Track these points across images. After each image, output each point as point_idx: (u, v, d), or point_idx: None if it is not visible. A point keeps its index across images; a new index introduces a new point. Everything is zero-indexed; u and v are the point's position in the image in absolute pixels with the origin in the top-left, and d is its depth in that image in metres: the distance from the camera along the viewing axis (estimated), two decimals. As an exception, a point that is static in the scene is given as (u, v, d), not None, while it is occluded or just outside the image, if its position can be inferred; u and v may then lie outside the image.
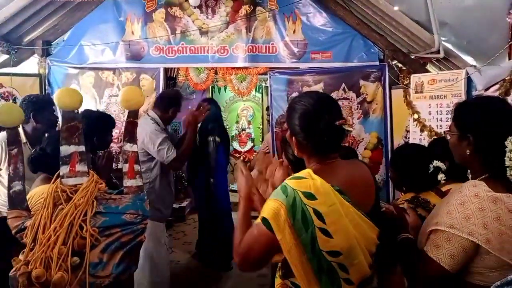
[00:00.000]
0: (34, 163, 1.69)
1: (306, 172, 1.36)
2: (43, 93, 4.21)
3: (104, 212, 1.24)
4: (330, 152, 1.44)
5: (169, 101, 3.36)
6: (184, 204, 6.37)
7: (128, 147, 1.35)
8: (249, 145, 7.75)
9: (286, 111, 1.53)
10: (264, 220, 1.30)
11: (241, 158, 7.64)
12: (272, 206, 1.30)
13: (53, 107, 3.03)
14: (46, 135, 1.73)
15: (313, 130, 1.39)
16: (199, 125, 3.62)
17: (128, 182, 1.35)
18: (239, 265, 1.39)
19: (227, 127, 7.64)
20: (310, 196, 1.28)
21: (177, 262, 4.65)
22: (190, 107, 6.52)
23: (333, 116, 1.39)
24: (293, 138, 1.47)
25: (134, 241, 1.25)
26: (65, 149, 1.27)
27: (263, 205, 1.47)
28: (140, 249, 1.31)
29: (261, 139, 7.50)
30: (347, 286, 1.32)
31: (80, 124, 1.29)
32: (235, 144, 7.72)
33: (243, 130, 7.78)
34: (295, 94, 3.93)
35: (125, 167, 1.36)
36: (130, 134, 1.37)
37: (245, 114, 7.84)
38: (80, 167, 1.28)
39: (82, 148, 1.29)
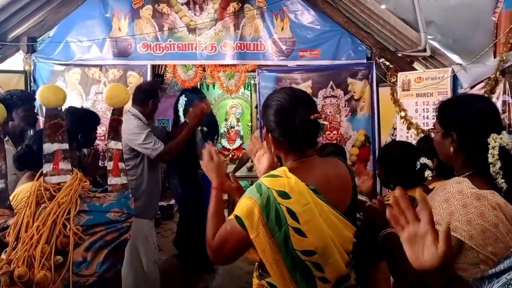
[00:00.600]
0: (20, 160, 1.66)
1: (282, 170, 1.35)
2: (29, 90, 4.15)
3: (88, 211, 1.23)
4: (306, 148, 1.43)
5: (146, 94, 3.27)
6: (172, 201, 6.34)
7: (113, 144, 1.34)
8: (238, 142, 7.73)
9: (261, 108, 1.51)
10: (238, 218, 1.29)
11: (229, 155, 7.63)
12: (246, 205, 1.29)
13: (33, 103, 2.98)
14: (31, 132, 1.71)
15: (288, 125, 1.38)
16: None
17: (112, 180, 1.34)
18: (212, 258, 1.40)
19: (216, 124, 7.62)
20: (284, 195, 1.28)
21: (165, 260, 4.63)
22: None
23: (308, 110, 1.38)
24: (269, 135, 1.45)
25: (118, 240, 1.24)
26: (48, 147, 1.26)
27: (239, 194, 1.47)
28: (125, 247, 1.30)
29: (250, 137, 7.49)
30: (323, 284, 1.31)
31: (64, 122, 1.27)
32: (224, 142, 7.70)
33: (232, 127, 7.75)
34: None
35: (110, 165, 1.34)
36: (115, 131, 1.36)
37: (234, 112, 7.82)
38: (64, 165, 1.27)
39: (65, 146, 1.27)
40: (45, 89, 1.27)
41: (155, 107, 3.31)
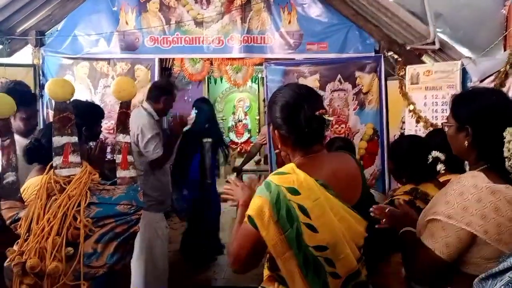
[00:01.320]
0: (29, 154, 1.68)
1: (290, 167, 1.36)
2: (38, 84, 4.19)
3: (97, 203, 1.24)
4: (313, 144, 1.44)
5: (159, 91, 3.32)
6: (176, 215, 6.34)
7: (121, 137, 1.35)
8: (246, 136, 7.74)
9: (267, 105, 1.52)
10: (249, 218, 1.31)
11: (237, 149, 7.63)
12: (256, 203, 1.30)
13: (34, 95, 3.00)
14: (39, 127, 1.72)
15: (294, 121, 1.38)
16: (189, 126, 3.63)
17: (121, 173, 1.35)
18: (232, 267, 1.39)
19: (223, 118, 7.63)
20: (293, 191, 1.28)
21: (175, 252, 4.66)
22: (186, 97, 6.51)
23: (313, 106, 1.38)
24: (276, 131, 1.46)
25: (128, 232, 1.25)
26: (57, 140, 1.27)
27: None
28: (135, 239, 1.31)
29: (257, 130, 7.49)
30: (334, 280, 1.32)
31: (72, 115, 1.28)
32: (232, 135, 7.72)
33: (240, 121, 7.77)
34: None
35: (118, 158, 1.35)
36: (123, 124, 1.37)
37: (242, 105, 7.83)
38: (73, 158, 1.28)
39: (75, 139, 1.28)
40: (53, 82, 1.28)
41: (167, 106, 3.35)
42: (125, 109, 1.38)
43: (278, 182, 1.30)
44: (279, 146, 1.49)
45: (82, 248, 1.19)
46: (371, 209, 1.54)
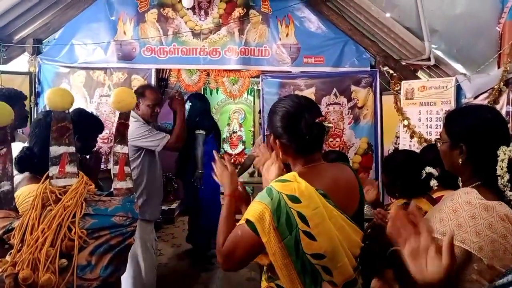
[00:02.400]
0: (20, 163, 1.67)
1: (291, 175, 1.38)
2: (33, 92, 4.18)
3: (93, 214, 1.23)
4: (313, 152, 1.48)
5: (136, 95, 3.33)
6: (174, 206, 6.34)
7: (119, 148, 1.34)
8: (240, 147, 7.73)
9: (267, 116, 1.55)
10: (249, 222, 1.32)
11: (229, 159, 7.62)
12: (257, 209, 1.32)
13: (24, 102, 2.99)
14: (22, 131, 1.72)
15: (295, 130, 1.43)
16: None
17: (118, 184, 1.34)
18: (222, 264, 1.41)
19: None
20: (294, 199, 1.30)
21: (165, 265, 4.63)
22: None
23: (313, 114, 1.43)
24: (277, 141, 1.49)
25: (123, 244, 1.24)
26: (55, 150, 1.26)
27: (247, 204, 1.49)
28: (129, 251, 1.30)
29: (252, 142, 7.50)
30: None
31: (71, 125, 1.27)
32: (226, 147, 7.71)
33: (234, 132, 7.77)
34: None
35: (115, 169, 1.35)
36: (122, 135, 1.36)
37: (237, 117, 7.83)
38: (70, 168, 1.27)
39: (72, 149, 1.27)
40: (52, 92, 1.27)
41: (149, 111, 3.29)
42: (123, 120, 1.37)
43: (279, 189, 1.32)
44: (280, 156, 1.51)
45: (76, 260, 1.17)
46: (374, 211, 1.56)
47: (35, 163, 1.69)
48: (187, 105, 4.56)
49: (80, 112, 2.26)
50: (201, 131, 4.39)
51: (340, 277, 1.34)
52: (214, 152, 1.81)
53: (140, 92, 3.28)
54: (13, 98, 2.81)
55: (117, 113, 1.42)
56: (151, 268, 3.33)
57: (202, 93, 6.96)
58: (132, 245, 1.29)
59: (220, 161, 1.70)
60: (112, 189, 1.36)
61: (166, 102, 4.69)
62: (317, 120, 1.41)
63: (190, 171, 4.41)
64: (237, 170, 5.38)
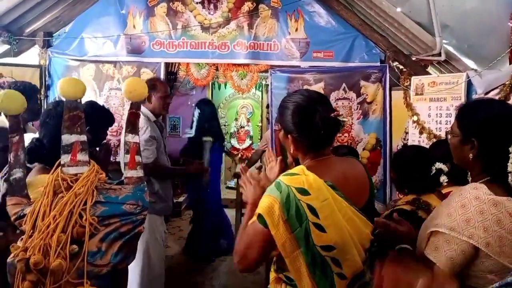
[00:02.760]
0: (30, 154, 1.68)
1: (299, 168, 1.39)
2: (43, 84, 4.21)
3: (104, 202, 1.25)
4: (324, 147, 1.47)
5: None
6: (181, 199, 6.38)
7: (130, 138, 1.36)
8: (248, 142, 7.75)
9: (278, 111, 1.54)
10: (259, 216, 1.33)
11: (238, 155, 7.65)
12: (266, 202, 1.33)
13: (38, 95, 3.01)
14: (32, 124, 1.73)
15: (308, 124, 1.41)
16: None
17: (128, 173, 1.35)
18: (238, 266, 1.41)
19: (226, 124, 7.65)
20: (303, 191, 1.31)
21: (172, 257, 4.66)
22: (189, 102, 6.53)
23: (327, 108, 1.42)
24: (288, 136, 1.48)
25: (133, 232, 1.25)
26: (67, 138, 1.28)
27: None
28: (138, 239, 1.31)
29: (259, 137, 7.51)
30: (340, 280, 1.34)
31: (82, 114, 1.29)
32: (233, 141, 7.73)
33: (242, 127, 7.78)
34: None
35: (126, 158, 1.36)
36: (133, 125, 1.37)
37: (244, 112, 7.85)
38: (81, 157, 1.29)
39: (83, 137, 1.29)
40: (65, 81, 1.29)
41: (160, 103, 3.25)
42: (135, 109, 1.38)
43: (288, 182, 1.33)
44: (291, 151, 1.50)
45: (86, 246, 1.19)
46: (375, 218, 1.54)
47: (44, 154, 1.70)
48: (196, 112, 4.59)
49: (92, 104, 2.27)
50: (209, 138, 4.44)
51: (349, 269, 1.35)
52: (241, 167, 1.76)
53: (151, 85, 3.25)
54: (28, 91, 2.83)
55: (126, 107, 1.43)
56: (160, 260, 3.35)
57: (210, 87, 7.00)
58: (141, 233, 1.30)
59: (247, 178, 1.62)
60: (123, 178, 1.38)
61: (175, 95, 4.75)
62: (332, 115, 1.41)
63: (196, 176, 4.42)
64: (244, 164, 5.47)
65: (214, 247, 4.70)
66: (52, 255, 1.17)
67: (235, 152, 7.71)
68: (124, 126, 1.42)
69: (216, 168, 4.70)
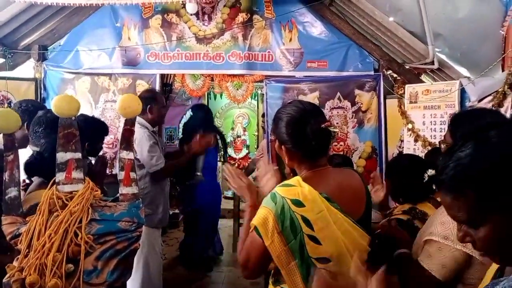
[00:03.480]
0: (29, 168, 1.68)
1: (295, 179, 1.40)
2: (39, 98, 4.21)
3: (99, 220, 1.25)
4: (319, 157, 1.48)
5: (144, 101, 3.29)
6: (178, 210, 6.34)
7: (125, 154, 1.36)
8: (244, 152, 7.76)
9: (272, 122, 1.56)
10: (255, 228, 1.35)
11: (235, 165, 7.64)
12: (261, 214, 1.35)
13: None
14: (43, 140, 1.72)
15: (301, 135, 1.43)
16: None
17: (123, 190, 1.35)
18: (242, 272, 1.44)
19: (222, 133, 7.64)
20: (298, 203, 1.32)
21: (170, 269, 4.63)
22: (185, 113, 6.53)
23: (318, 119, 1.44)
24: (283, 147, 1.49)
25: (129, 249, 1.25)
26: (61, 156, 1.28)
27: None
28: (135, 256, 1.31)
29: (256, 146, 7.51)
30: None
31: (77, 131, 1.29)
32: (230, 151, 7.72)
33: (238, 136, 7.79)
34: (290, 102, 3.98)
35: (121, 175, 1.36)
36: (127, 141, 1.38)
37: (241, 121, 7.86)
38: (76, 174, 1.29)
39: (78, 155, 1.29)
40: (59, 98, 1.29)
41: (159, 114, 3.32)
42: (129, 126, 1.39)
43: (283, 194, 1.34)
44: (286, 162, 1.52)
45: (82, 265, 1.18)
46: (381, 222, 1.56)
47: (44, 169, 1.69)
48: (188, 114, 4.57)
49: (85, 118, 2.28)
50: None
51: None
52: (225, 165, 1.80)
53: (151, 97, 3.31)
54: (36, 111, 2.84)
55: (122, 119, 1.43)
56: (158, 272, 3.36)
57: (206, 97, 7.00)
58: (137, 250, 1.30)
59: (237, 174, 1.69)
60: (118, 195, 1.38)
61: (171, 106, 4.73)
62: (323, 126, 1.42)
63: (188, 177, 4.41)
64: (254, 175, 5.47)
65: (213, 251, 4.69)
66: (48, 275, 1.16)
67: (232, 162, 7.70)
68: (119, 142, 1.42)
69: (212, 171, 4.66)
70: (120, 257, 1.24)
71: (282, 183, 1.43)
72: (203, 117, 4.56)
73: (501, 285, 0.79)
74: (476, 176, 0.78)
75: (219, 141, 4.77)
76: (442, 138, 1.63)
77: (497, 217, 0.78)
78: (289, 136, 1.46)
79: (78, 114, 1.40)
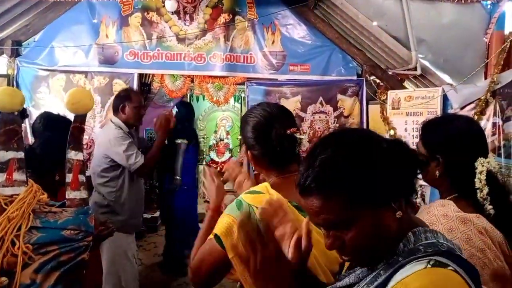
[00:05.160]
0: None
1: (263, 186, 1.31)
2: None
3: (40, 227, 1.12)
4: (286, 164, 1.39)
5: (118, 100, 3.16)
6: (157, 214, 6.19)
7: (73, 155, 1.24)
8: (227, 155, 7.64)
9: (240, 125, 1.48)
10: (216, 236, 1.24)
11: (215, 168, 7.52)
12: (225, 222, 1.24)
13: None
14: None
15: (265, 141, 1.35)
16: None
17: (71, 194, 1.23)
18: (191, 279, 1.33)
19: (205, 136, 7.53)
20: None
21: (147, 275, 4.49)
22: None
23: (284, 125, 1.35)
24: (249, 152, 1.42)
25: (74, 260, 1.13)
26: (2, 155, 1.15)
27: None
28: (83, 269, 1.19)
29: (239, 150, 7.42)
30: None
31: (20, 128, 1.17)
32: (213, 154, 7.61)
33: (221, 140, 7.68)
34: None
35: (69, 177, 1.24)
36: (76, 140, 1.26)
37: (224, 124, 7.75)
38: (18, 176, 1.16)
39: (21, 154, 1.17)
40: (1, 92, 1.17)
41: (134, 113, 3.16)
42: (79, 123, 1.27)
43: (250, 201, 1.25)
44: (254, 167, 1.44)
45: (18, 278, 1.06)
46: None
47: (35, 166, 1.60)
48: (173, 112, 4.47)
49: (47, 115, 2.15)
50: (184, 140, 4.26)
51: None
52: (206, 167, 1.74)
53: (125, 96, 3.17)
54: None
55: (98, 118, 1.32)
56: (133, 279, 3.21)
57: (189, 100, 6.90)
58: (86, 262, 1.18)
59: (210, 174, 1.59)
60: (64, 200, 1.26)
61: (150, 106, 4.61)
62: (288, 132, 1.34)
63: (167, 181, 4.29)
64: (222, 178, 5.34)
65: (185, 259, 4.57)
66: (-21, 288, 1.04)
67: (214, 165, 7.58)
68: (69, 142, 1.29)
69: (189, 171, 4.54)
70: (62, 269, 1.11)
71: (249, 189, 1.34)
72: (187, 116, 4.50)
73: (356, 275, 0.92)
74: (343, 176, 0.81)
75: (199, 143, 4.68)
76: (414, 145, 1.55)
77: (366, 215, 0.82)
78: (254, 141, 1.38)
79: (43, 111, 1.28)
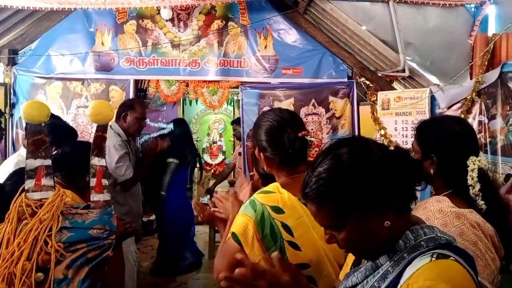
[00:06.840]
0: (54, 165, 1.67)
1: (274, 186, 1.41)
2: (8, 103, 4.10)
3: (70, 227, 1.22)
4: (297, 164, 1.48)
5: (121, 108, 3.23)
6: (152, 217, 6.25)
7: (96, 161, 1.34)
8: (220, 158, 7.72)
9: (252, 129, 1.58)
10: (233, 235, 1.33)
11: (211, 171, 7.60)
12: (241, 221, 1.33)
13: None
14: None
15: (278, 143, 1.45)
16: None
17: (95, 197, 1.33)
18: (215, 278, 1.41)
19: (198, 139, 7.59)
20: (277, 210, 1.32)
21: (144, 277, 4.56)
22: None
23: (295, 128, 1.46)
24: (261, 154, 1.51)
25: (100, 257, 1.23)
26: (30, 163, 1.25)
27: (223, 225, 1.50)
28: (106, 265, 1.29)
29: (232, 152, 7.50)
30: None
31: (47, 138, 1.27)
32: (206, 157, 7.67)
33: (214, 142, 7.75)
34: (266, 108, 4.01)
35: (93, 181, 1.34)
36: (99, 148, 1.36)
37: (217, 127, 7.82)
38: (46, 181, 1.26)
39: (48, 162, 1.26)
40: (29, 105, 1.27)
41: (134, 123, 3.21)
42: (101, 132, 1.37)
43: (262, 201, 1.34)
44: (265, 168, 1.53)
45: (52, 274, 1.15)
46: None
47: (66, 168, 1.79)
48: (167, 130, 4.40)
49: (53, 123, 2.23)
50: (174, 160, 4.14)
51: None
52: (209, 202, 1.79)
53: (129, 104, 3.24)
54: None
55: (95, 124, 1.42)
56: (131, 280, 3.28)
57: (181, 103, 6.93)
58: (109, 258, 1.28)
59: (219, 198, 1.64)
60: (89, 202, 1.36)
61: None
62: (299, 134, 1.44)
63: (156, 194, 4.23)
64: (215, 181, 5.38)
65: (180, 260, 4.61)
66: (17, 284, 1.13)
67: (208, 168, 7.65)
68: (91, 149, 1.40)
69: (180, 186, 4.43)
70: (91, 265, 1.21)
71: (261, 190, 1.44)
72: (180, 133, 4.36)
73: (360, 272, 1.01)
74: (333, 189, 0.93)
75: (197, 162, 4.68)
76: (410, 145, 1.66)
77: (353, 222, 0.93)
78: (267, 143, 1.48)
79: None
